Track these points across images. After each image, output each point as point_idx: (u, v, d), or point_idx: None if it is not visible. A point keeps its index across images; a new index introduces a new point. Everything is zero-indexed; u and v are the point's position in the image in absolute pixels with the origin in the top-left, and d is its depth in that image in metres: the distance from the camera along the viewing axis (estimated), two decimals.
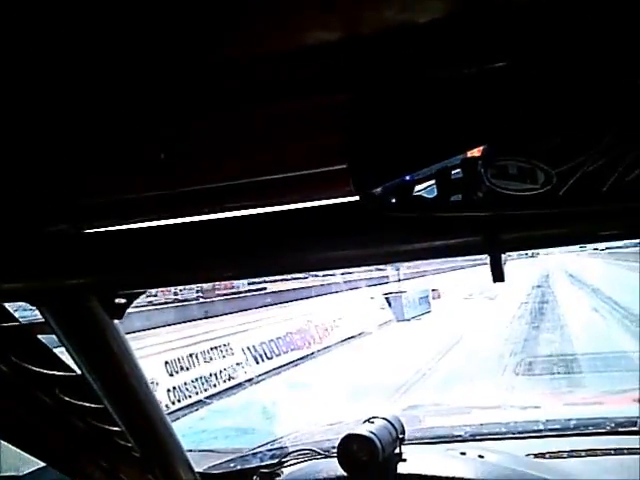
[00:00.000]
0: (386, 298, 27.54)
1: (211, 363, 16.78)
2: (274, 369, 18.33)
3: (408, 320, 26.28)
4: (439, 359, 17.21)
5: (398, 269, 29.72)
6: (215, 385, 16.27)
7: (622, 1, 0.80)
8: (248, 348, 18.38)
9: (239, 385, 16.65)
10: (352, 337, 22.56)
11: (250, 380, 17.06)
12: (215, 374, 16.52)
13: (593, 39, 0.85)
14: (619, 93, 0.88)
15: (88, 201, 1.27)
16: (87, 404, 1.77)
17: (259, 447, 2.69)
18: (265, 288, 30.17)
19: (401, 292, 28.19)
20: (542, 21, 0.83)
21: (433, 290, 31.50)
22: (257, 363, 18.33)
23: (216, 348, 17.29)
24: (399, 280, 30.17)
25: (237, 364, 17.70)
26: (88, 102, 0.99)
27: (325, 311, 23.31)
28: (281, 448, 2.57)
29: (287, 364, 18.97)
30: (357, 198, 1.07)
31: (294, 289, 29.45)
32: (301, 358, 19.74)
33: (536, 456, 2.25)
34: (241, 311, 24.72)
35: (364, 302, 25.51)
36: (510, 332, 19.96)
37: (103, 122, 1.04)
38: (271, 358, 19.00)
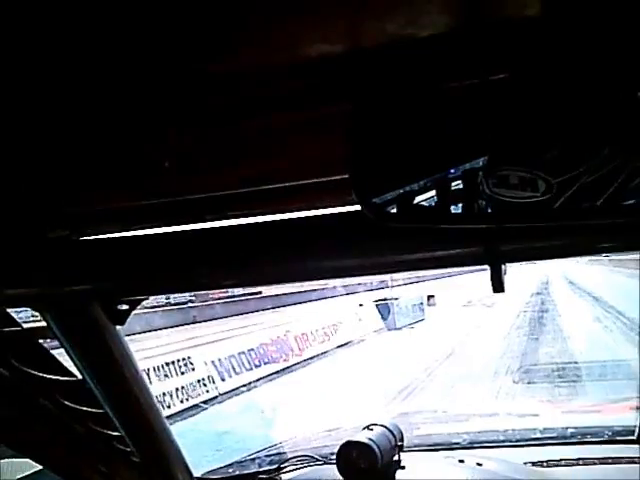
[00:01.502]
0: (376, 305, 26.28)
1: (163, 382, 14.13)
2: (241, 387, 16.19)
3: (399, 329, 25.02)
4: (428, 375, 15.82)
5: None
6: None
7: (620, 16, 0.81)
8: (213, 362, 16.26)
9: (194, 407, 14.28)
10: (335, 348, 21.19)
11: (210, 400, 15.02)
12: (164, 393, 13.71)
13: (592, 52, 0.86)
14: (617, 106, 0.89)
15: (91, 208, 1.28)
16: (87, 409, 1.77)
17: (257, 452, 2.69)
18: (260, 292, 29.80)
19: (393, 299, 26.78)
20: (542, 34, 0.84)
21: (428, 297, 30.36)
22: (223, 380, 16.19)
23: (173, 363, 14.96)
24: (391, 286, 28.72)
25: (198, 381, 15.46)
26: (91, 108, 0.99)
27: (310, 319, 22.23)
28: (279, 454, 2.58)
29: (257, 380, 16.88)
30: (358, 208, 1.07)
31: (287, 294, 29.03)
32: (275, 373, 17.88)
33: (534, 464, 2.26)
34: (230, 316, 24.33)
35: (352, 310, 24.71)
36: (507, 345, 18.58)
37: (106, 130, 1.05)
38: (239, 373, 16.85)
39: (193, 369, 15.67)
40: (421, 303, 28.81)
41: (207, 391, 15.59)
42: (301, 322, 21.44)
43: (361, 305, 25.71)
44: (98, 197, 1.25)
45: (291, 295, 29.37)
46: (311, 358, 19.83)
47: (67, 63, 0.87)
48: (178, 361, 15.28)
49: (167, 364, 14.79)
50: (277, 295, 28.95)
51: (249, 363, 17.51)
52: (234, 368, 16.87)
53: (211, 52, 0.87)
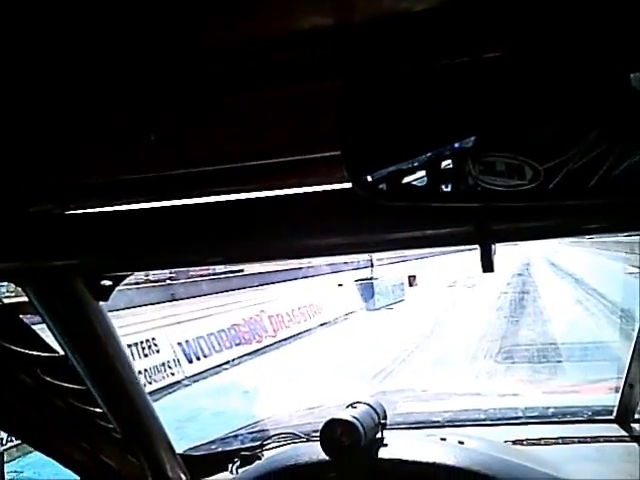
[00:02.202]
0: (356, 285, 26.15)
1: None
2: (210, 369, 15.63)
3: (378, 309, 24.74)
4: (406, 356, 15.43)
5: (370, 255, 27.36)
6: None
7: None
8: (180, 344, 15.55)
9: (156, 391, 13.10)
10: (311, 329, 20.85)
11: (175, 384, 14.44)
12: None
13: (584, 33, 0.85)
14: (608, 87, 0.89)
15: (75, 181, 1.26)
16: (69, 385, 1.77)
17: (240, 429, 2.70)
18: (242, 270, 29.37)
19: (373, 279, 26.74)
20: (535, 13, 0.83)
21: (410, 277, 30.37)
22: (190, 362, 15.56)
23: (136, 345, 14.13)
24: (374, 266, 28.25)
25: (162, 364, 14.82)
26: (74, 81, 0.98)
27: (289, 299, 21.86)
28: (262, 431, 2.58)
29: (228, 362, 16.19)
30: (349, 185, 1.06)
31: (271, 272, 28.49)
32: (247, 354, 17.28)
33: (514, 442, 2.29)
34: (211, 294, 23.83)
35: (331, 290, 24.35)
36: (488, 326, 18.04)
37: (90, 102, 1.03)
38: (208, 356, 16.17)
39: (158, 351, 15.07)
40: (401, 283, 28.59)
41: (172, 374, 15.07)
42: (279, 302, 21.10)
43: (340, 285, 25.43)
44: (82, 171, 1.22)
45: (275, 273, 29.20)
46: (286, 339, 19.49)
47: (48, 32, 0.85)
48: (142, 342, 14.63)
49: (129, 346, 13.62)
50: (260, 273, 28.66)
51: (219, 345, 16.95)
52: (202, 350, 16.27)
53: (198, 25, 0.86)
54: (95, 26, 0.84)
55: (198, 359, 15.99)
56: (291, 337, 19.79)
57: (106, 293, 1.51)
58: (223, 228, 1.30)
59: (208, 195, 1.27)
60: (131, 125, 1.10)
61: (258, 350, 17.91)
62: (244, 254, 1.40)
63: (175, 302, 22.28)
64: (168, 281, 25.61)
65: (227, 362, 16.29)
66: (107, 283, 1.50)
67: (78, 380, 1.72)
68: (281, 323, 20.10)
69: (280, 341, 19.17)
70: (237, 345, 17.51)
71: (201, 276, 27.50)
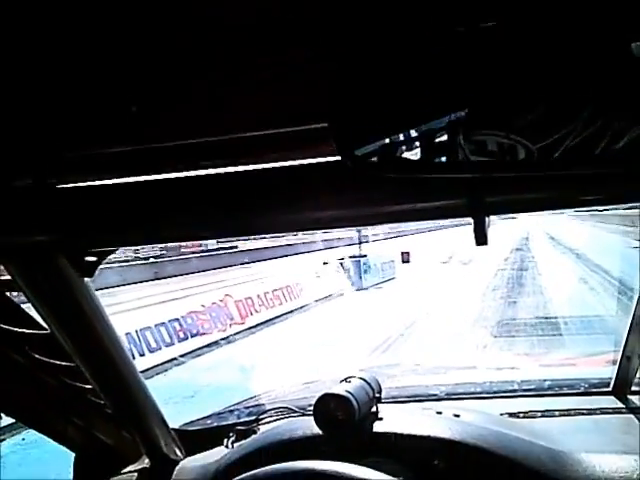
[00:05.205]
0: (341, 263, 24.62)
1: None
2: (156, 366, 12.54)
3: (366, 289, 23.16)
4: (391, 342, 13.94)
5: (359, 230, 25.01)
6: None
7: None
8: (128, 334, 12.82)
9: None
10: (286, 313, 18.90)
11: None
12: None
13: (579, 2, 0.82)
14: (607, 59, 0.85)
15: (57, 155, 1.23)
16: (58, 362, 1.76)
17: (235, 405, 2.71)
18: (236, 247, 29.22)
19: (361, 256, 24.97)
20: None
21: (403, 253, 29.38)
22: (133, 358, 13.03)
23: None
24: (360, 242, 26.40)
25: None
26: (56, 52, 0.95)
27: (269, 278, 20.15)
28: (257, 406, 2.58)
29: (178, 357, 13.71)
30: (338, 158, 1.04)
31: (263, 248, 28.34)
32: (207, 346, 15.06)
33: (510, 415, 2.29)
34: (198, 272, 22.96)
35: (315, 269, 22.92)
36: (480, 312, 16.29)
37: (72, 73, 1.00)
38: (153, 351, 13.68)
39: None
40: (392, 261, 27.20)
41: None
42: (251, 283, 19.43)
43: (326, 263, 24.37)
44: (64, 144, 1.19)
45: (267, 250, 29.05)
46: (256, 326, 17.53)
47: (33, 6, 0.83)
48: None
49: None
50: (252, 250, 28.48)
51: (170, 337, 14.70)
52: (149, 344, 13.88)
53: None
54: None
55: (142, 355, 13.38)
56: (262, 324, 17.81)
57: (91, 269, 1.50)
58: (210, 202, 1.28)
59: (195, 168, 1.25)
60: (113, 97, 1.07)
61: (222, 340, 15.69)
62: (232, 228, 1.38)
63: (158, 281, 21.43)
64: (152, 259, 25.27)
65: (174, 359, 13.74)
66: (91, 259, 1.48)
67: (67, 357, 1.72)
68: (251, 308, 18.00)
69: (249, 328, 17.23)
70: (193, 336, 15.31)
71: (193, 253, 27.16)
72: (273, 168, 1.23)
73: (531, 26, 0.86)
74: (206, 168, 1.25)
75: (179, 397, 9.87)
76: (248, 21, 0.89)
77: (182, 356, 13.93)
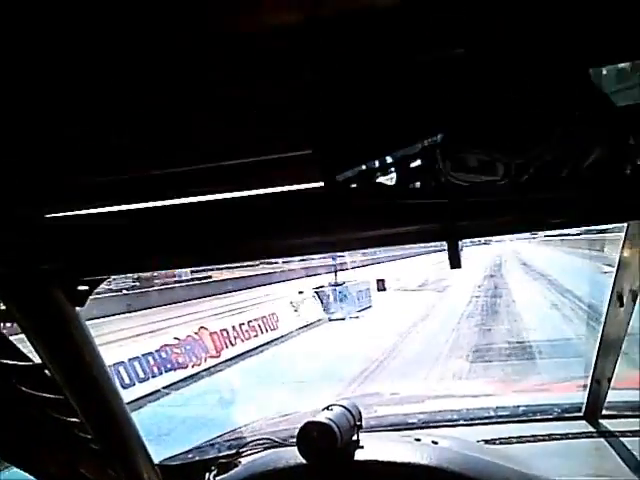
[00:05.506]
0: (317, 292, 23.78)
1: None
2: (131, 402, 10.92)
3: (342, 319, 22.28)
4: (363, 380, 13.05)
5: (335, 258, 24.64)
6: None
7: None
8: None
9: None
10: (263, 345, 18.34)
11: None
12: None
13: (544, 30, 0.88)
14: (569, 84, 0.92)
15: (49, 186, 1.25)
16: (46, 395, 1.73)
17: (216, 438, 2.70)
18: (210, 277, 28.65)
19: (337, 284, 24.71)
20: (495, 9, 0.85)
21: (379, 281, 28.95)
22: None
23: None
24: (335, 271, 25.89)
25: None
26: (50, 86, 0.97)
27: (239, 309, 19.91)
28: (239, 438, 2.58)
29: (152, 393, 13.26)
30: (321, 184, 1.09)
31: (239, 278, 27.79)
32: (182, 380, 14.41)
33: (487, 442, 2.35)
34: (171, 304, 22.52)
35: (291, 297, 22.29)
36: (456, 340, 16.43)
37: (66, 106, 1.03)
38: (127, 387, 12.83)
39: None
40: (368, 289, 26.43)
41: None
42: (229, 315, 19.01)
43: (301, 292, 23.52)
44: (56, 174, 1.22)
45: (242, 279, 28.71)
46: (232, 359, 16.95)
47: (20, 39, 0.86)
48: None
49: None
50: (227, 280, 28.03)
51: (144, 372, 14.02)
52: (122, 379, 13.15)
53: (169, 25, 0.86)
54: (68, 28, 0.85)
55: None
56: (237, 357, 17.21)
57: (83, 298, 1.50)
58: (196, 230, 1.32)
59: (183, 196, 1.28)
60: (101, 127, 1.09)
61: (196, 374, 15.28)
62: (217, 255, 1.42)
63: (129, 314, 20.82)
64: (125, 291, 24.28)
65: (150, 394, 13.26)
66: (84, 288, 1.49)
67: (55, 389, 1.69)
68: (226, 340, 17.47)
69: (225, 361, 16.69)
70: (168, 371, 14.69)
71: (166, 284, 26.60)
72: (256, 195, 1.27)
73: (498, 54, 0.91)
74: (195, 196, 1.28)
75: (153, 435, 9.06)
76: (230, 50, 0.91)
77: (157, 391, 13.54)
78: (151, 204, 1.30)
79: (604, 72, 0.92)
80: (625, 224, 1.96)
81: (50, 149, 1.15)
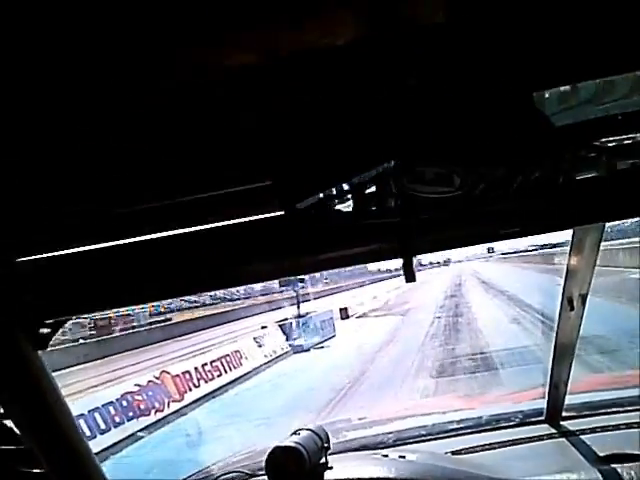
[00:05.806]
0: (280, 326, 23.55)
1: None
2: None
3: (307, 350, 22.11)
4: (331, 409, 12.47)
5: (297, 290, 25.29)
6: None
7: (515, 23, 0.89)
8: None
9: None
10: (229, 384, 17.66)
11: None
12: None
13: (488, 58, 0.94)
14: (514, 108, 0.99)
15: (11, 226, 1.25)
16: (6, 447, 1.63)
17: (188, 477, 2.70)
18: (170, 319, 28.54)
19: (299, 316, 24.29)
20: (446, 41, 0.90)
21: (341, 310, 29.08)
22: None
23: None
24: (298, 303, 25.38)
25: None
26: (15, 133, 0.98)
27: (201, 350, 19.28)
28: (207, 477, 2.58)
29: (114, 444, 12.44)
30: (281, 213, 1.15)
31: (200, 317, 27.73)
32: (144, 428, 13.64)
33: (454, 453, 2.40)
34: (132, 349, 22.15)
35: (254, 333, 22.19)
36: (421, 358, 16.32)
37: (27, 150, 1.04)
38: (89, 439, 10.66)
39: None
40: (331, 318, 26.19)
41: None
42: (188, 357, 18.52)
43: (264, 327, 23.51)
44: (24, 217, 1.22)
45: (204, 319, 28.45)
46: (196, 401, 16.18)
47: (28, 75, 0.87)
48: None
49: None
50: (188, 320, 27.95)
51: (105, 423, 13.20)
52: (83, 432, 11.05)
53: (133, 69, 0.88)
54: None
55: None
56: (202, 398, 16.53)
57: (45, 341, 1.47)
58: (159, 265, 1.34)
59: (144, 234, 1.29)
60: (61, 164, 1.10)
61: (162, 420, 14.54)
62: (183, 288, 1.45)
63: (86, 364, 20.16)
64: (82, 340, 23.63)
65: (112, 445, 12.50)
66: (45, 331, 1.47)
67: (18, 440, 1.60)
68: (189, 383, 16.76)
69: (189, 404, 15.90)
70: (130, 420, 13.88)
71: (124, 330, 26.13)
72: (219, 227, 1.30)
73: (448, 82, 0.97)
74: (157, 232, 1.30)
75: None
76: (191, 90, 0.94)
77: (121, 442, 12.88)
78: (114, 243, 1.31)
79: (546, 95, 1.00)
80: (571, 231, 2.05)
81: (18, 192, 1.15)
